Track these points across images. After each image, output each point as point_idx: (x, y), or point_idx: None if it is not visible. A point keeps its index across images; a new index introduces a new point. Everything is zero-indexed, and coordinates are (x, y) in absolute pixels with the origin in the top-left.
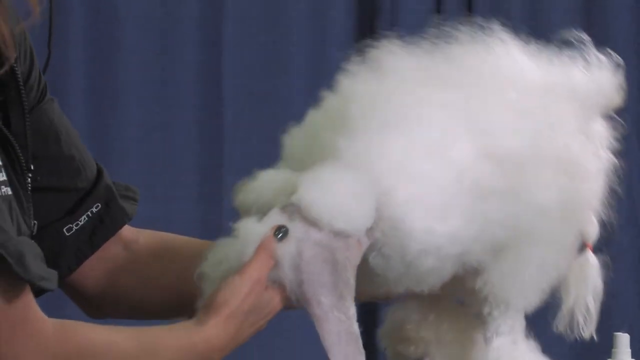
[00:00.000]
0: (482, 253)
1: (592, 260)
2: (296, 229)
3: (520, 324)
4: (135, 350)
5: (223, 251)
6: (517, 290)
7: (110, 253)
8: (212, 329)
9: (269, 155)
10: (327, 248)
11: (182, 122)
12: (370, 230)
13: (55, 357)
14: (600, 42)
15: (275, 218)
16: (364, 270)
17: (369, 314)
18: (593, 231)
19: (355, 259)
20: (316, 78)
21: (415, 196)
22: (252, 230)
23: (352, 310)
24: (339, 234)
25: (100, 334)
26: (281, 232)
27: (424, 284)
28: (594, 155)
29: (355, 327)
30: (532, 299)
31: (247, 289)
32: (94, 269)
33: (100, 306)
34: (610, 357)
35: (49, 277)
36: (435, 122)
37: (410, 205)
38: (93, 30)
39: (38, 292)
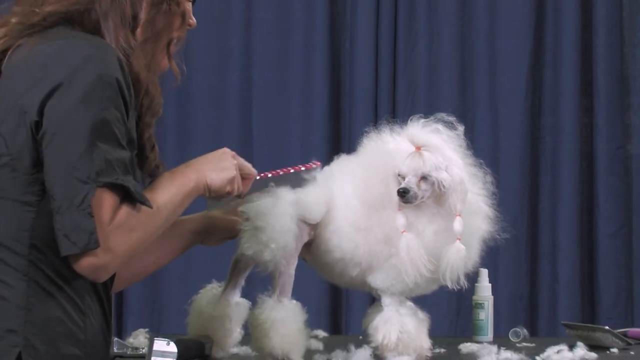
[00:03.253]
0: (362, 265)
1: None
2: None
3: (400, 299)
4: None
5: (259, 200)
6: (390, 286)
7: None
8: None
9: (295, 151)
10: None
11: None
12: (311, 229)
13: None
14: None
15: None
16: (316, 258)
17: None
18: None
19: (302, 239)
20: (335, 75)
21: (335, 217)
22: (282, 193)
23: (290, 262)
24: (302, 220)
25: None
26: None
27: (334, 275)
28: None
29: (291, 271)
30: (404, 287)
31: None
32: None
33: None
34: (473, 293)
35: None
36: (347, 181)
37: (331, 223)
38: None
39: None
